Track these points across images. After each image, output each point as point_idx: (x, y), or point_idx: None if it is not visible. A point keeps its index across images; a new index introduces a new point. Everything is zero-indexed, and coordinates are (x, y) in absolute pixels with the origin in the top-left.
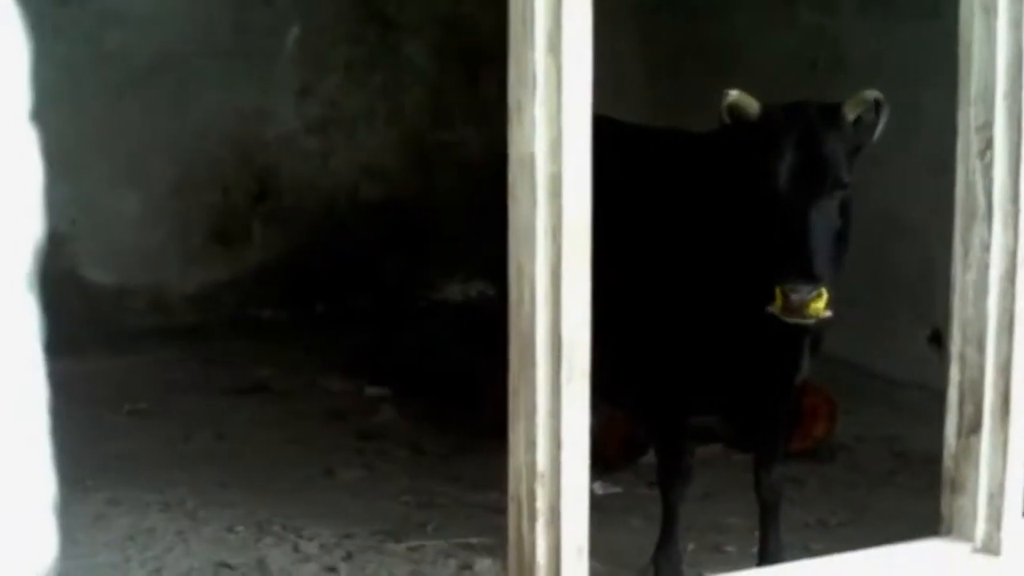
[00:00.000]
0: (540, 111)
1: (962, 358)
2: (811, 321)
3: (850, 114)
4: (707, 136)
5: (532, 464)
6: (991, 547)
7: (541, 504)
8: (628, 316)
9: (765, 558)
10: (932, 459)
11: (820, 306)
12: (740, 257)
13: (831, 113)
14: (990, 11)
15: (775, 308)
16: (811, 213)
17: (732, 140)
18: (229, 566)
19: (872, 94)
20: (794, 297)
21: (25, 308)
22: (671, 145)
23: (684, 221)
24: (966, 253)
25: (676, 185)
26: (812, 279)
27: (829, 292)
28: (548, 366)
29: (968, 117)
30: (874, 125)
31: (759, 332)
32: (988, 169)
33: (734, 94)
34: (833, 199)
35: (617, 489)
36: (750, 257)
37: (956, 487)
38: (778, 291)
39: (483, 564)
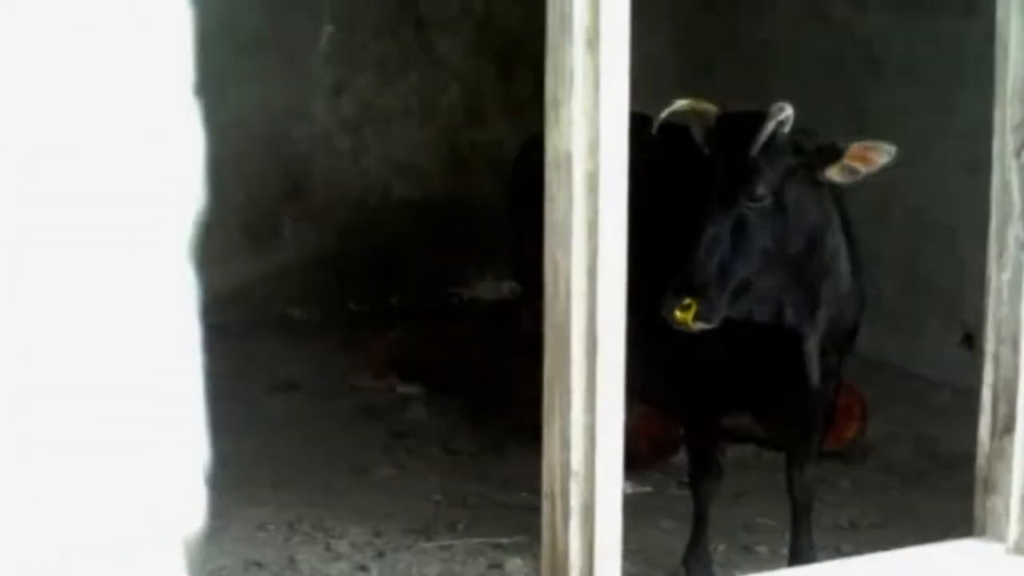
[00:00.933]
0: (577, 108)
1: (996, 358)
2: (692, 329)
3: (769, 128)
4: None
5: (566, 462)
6: (1023, 548)
7: (575, 502)
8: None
9: (796, 559)
10: (965, 460)
11: (687, 317)
12: None
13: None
14: None
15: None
16: (701, 225)
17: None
18: (260, 564)
19: (775, 107)
20: (664, 304)
21: (184, 274)
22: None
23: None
24: (1001, 253)
25: (683, 184)
26: (678, 290)
27: (699, 305)
28: (583, 363)
29: (1004, 116)
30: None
31: (755, 333)
32: None
33: (681, 103)
34: (732, 213)
35: (647, 489)
36: None
37: (989, 487)
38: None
39: (513, 563)
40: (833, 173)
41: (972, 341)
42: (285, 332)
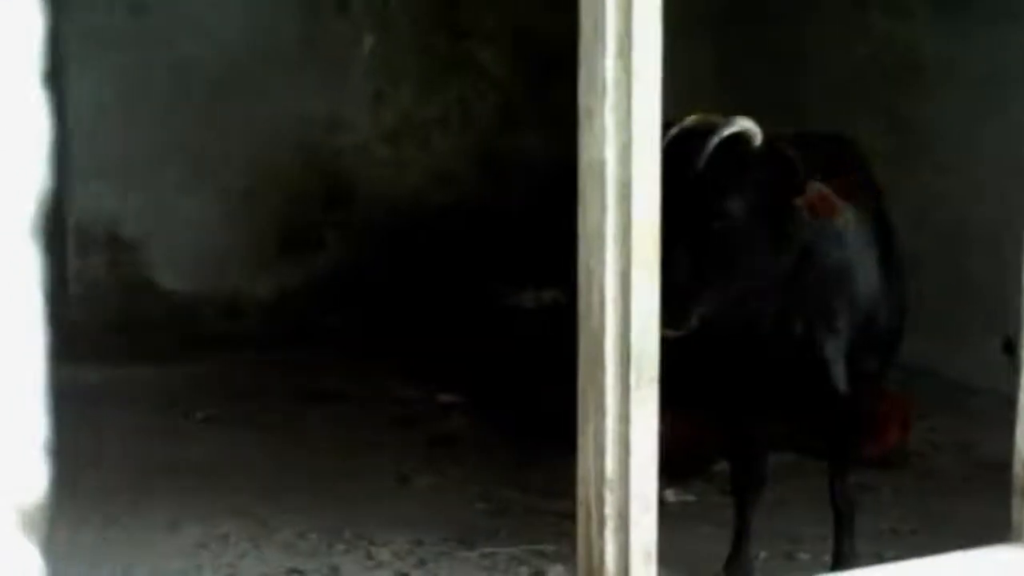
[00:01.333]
0: (610, 117)
1: None
2: (664, 335)
3: (712, 143)
4: None
5: (601, 469)
6: None
7: (610, 510)
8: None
9: (838, 566)
10: (1006, 466)
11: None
12: None
13: (743, 140)
14: None
15: None
16: (676, 239)
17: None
18: (302, 572)
19: (723, 121)
20: None
21: (26, 254)
22: None
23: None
24: None
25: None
26: None
27: (664, 312)
28: (617, 371)
29: None
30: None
31: (772, 340)
32: None
33: (691, 119)
34: (698, 225)
35: (689, 497)
36: None
37: None
38: None
39: (555, 571)
40: (800, 203)
41: (1012, 347)
42: (325, 340)
